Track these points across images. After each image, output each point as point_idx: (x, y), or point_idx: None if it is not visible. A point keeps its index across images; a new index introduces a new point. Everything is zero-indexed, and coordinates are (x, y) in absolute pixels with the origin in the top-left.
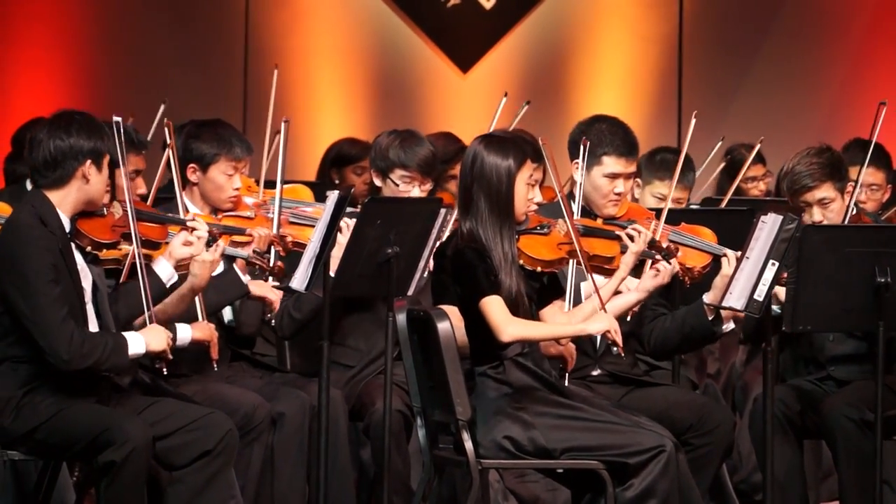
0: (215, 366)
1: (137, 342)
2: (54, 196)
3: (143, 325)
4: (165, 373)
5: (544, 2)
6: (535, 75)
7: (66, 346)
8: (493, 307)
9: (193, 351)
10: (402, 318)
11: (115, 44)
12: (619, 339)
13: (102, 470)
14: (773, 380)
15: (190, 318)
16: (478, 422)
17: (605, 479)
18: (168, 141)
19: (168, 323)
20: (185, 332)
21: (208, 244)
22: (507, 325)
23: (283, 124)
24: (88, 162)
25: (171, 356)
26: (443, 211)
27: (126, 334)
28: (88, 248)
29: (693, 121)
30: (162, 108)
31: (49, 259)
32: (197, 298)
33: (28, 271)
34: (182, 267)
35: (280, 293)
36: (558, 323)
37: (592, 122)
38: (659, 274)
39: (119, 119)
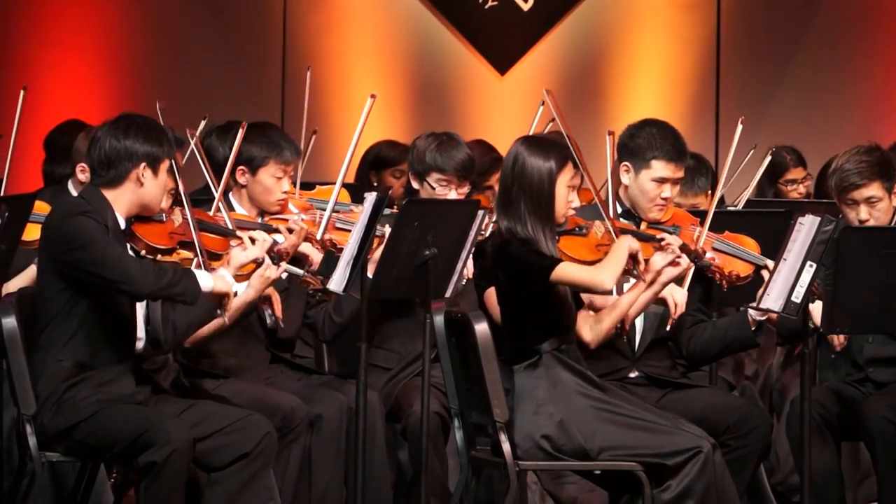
0: (281, 324)
1: (204, 277)
2: (109, 195)
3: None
4: (227, 322)
5: (582, 3)
6: (573, 77)
7: (137, 270)
8: (572, 269)
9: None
10: (439, 319)
11: (152, 46)
12: (640, 263)
13: (143, 471)
14: (811, 382)
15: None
16: (515, 421)
17: (643, 481)
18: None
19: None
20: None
21: (273, 260)
22: (600, 274)
23: (312, 136)
24: (143, 165)
25: (230, 308)
26: (480, 213)
27: (195, 269)
28: (143, 252)
29: (739, 126)
30: (202, 123)
31: (98, 226)
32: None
33: (80, 231)
34: (241, 278)
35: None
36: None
37: (643, 125)
38: (669, 253)
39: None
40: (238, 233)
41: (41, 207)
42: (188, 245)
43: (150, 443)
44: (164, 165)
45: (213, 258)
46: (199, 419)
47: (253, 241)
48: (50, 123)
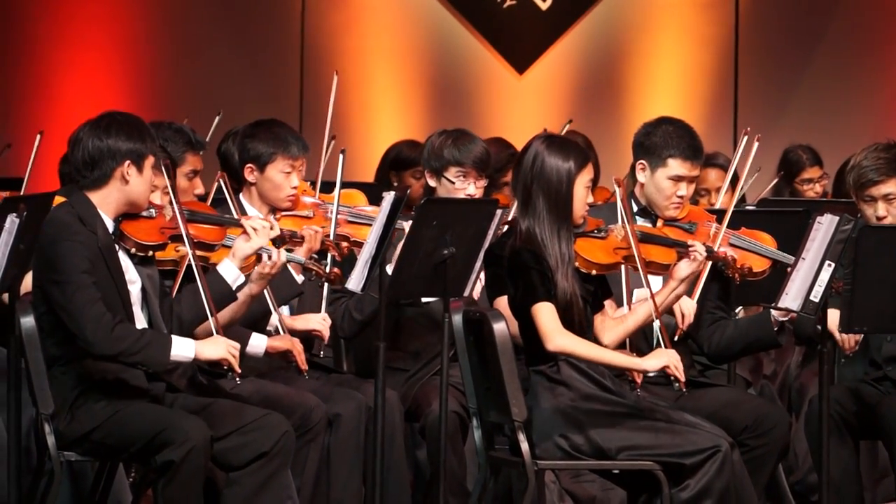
0: (306, 375)
1: (185, 346)
2: (95, 197)
3: (207, 334)
4: (239, 382)
5: (600, 3)
6: (591, 76)
7: (92, 328)
8: (545, 314)
9: (275, 360)
10: (457, 319)
11: (170, 45)
12: (680, 375)
13: (160, 470)
14: (829, 381)
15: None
16: (533, 422)
17: (661, 480)
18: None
19: (232, 328)
20: (259, 341)
21: (276, 244)
22: (556, 335)
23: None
24: (127, 163)
25: (238, 369)
26: (499, 212)
27: (175, 337)
28: (133, 251)
29: (756, 144)
30: (217, 119)
31: (84, 253)
32: (270, 301)
33: (62, 263)
34: (246, 269)
35: (328, 324)
36: (613, 351)
37: (659, 123)
38: (694, 261)
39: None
40: (241, 221)
41: (60, 201)
42: (180, 238)
43: (168, 441)
44: (149, 162)
45: (207, 249)
46: (217, 418)
47: (255, 230)
48: (67, 122)
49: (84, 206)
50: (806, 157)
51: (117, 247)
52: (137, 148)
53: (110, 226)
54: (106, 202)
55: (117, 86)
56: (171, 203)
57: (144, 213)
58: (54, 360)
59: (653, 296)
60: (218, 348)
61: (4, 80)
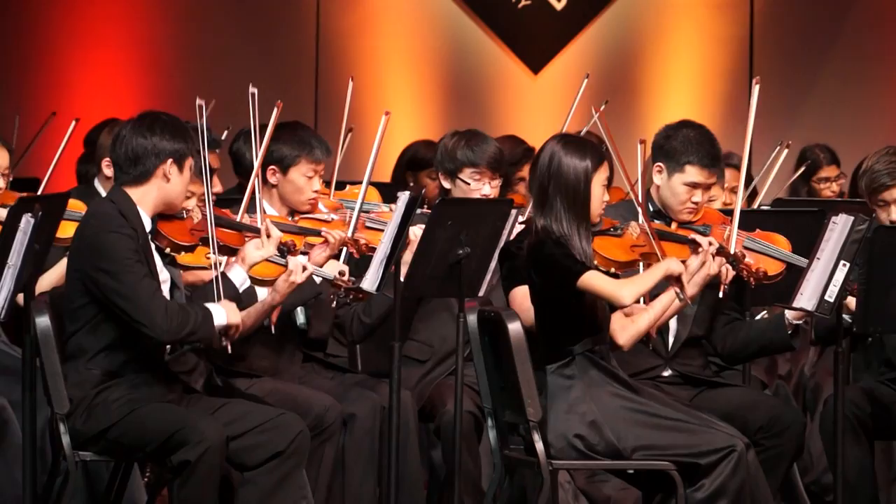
0: (272, 329)
1: (220, 313)
2: (135, 193)
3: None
4: (230, 352)
5: (615, 2)
6: (606, 76)
7: (162, 317)
8: (597, 279)
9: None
10: (472, 318)
11: (185, 46)
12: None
13: (176, 469)
14: (844, 381)
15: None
16: (548, 421)
17: (676, 480)
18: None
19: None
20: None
21: (281, 253)
22: (624, 288)
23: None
24: (170, 161)
25: (237, 332)
26: (513, 212)
27: (209, 305)
28: (167, 250)
29: (785, 151)
30: (225, 133)
31: (132, 245)
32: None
33: (116, 253)
34: (267, 283)
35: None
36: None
37: (679, 126)
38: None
39: (202, 103)
40: (251, 230)
41: (75, 205)
42: (208, 241)
43: (184, 441)
44: (189, 163)
45: (228, 253)
46: (233, 418)
47: (268, 236)
48: (81, 121)
49: (125, 203)
50: (823, 155)
51: (153, 245)
52: (180, 148)
53: (148, 224)
54: (146, 199)
55: (131, 86)
56: (204, 204)
57: (176, 215)
58: (82, 352)
59: (681, 277)
60: (235, 312)
61: (18, 80)
